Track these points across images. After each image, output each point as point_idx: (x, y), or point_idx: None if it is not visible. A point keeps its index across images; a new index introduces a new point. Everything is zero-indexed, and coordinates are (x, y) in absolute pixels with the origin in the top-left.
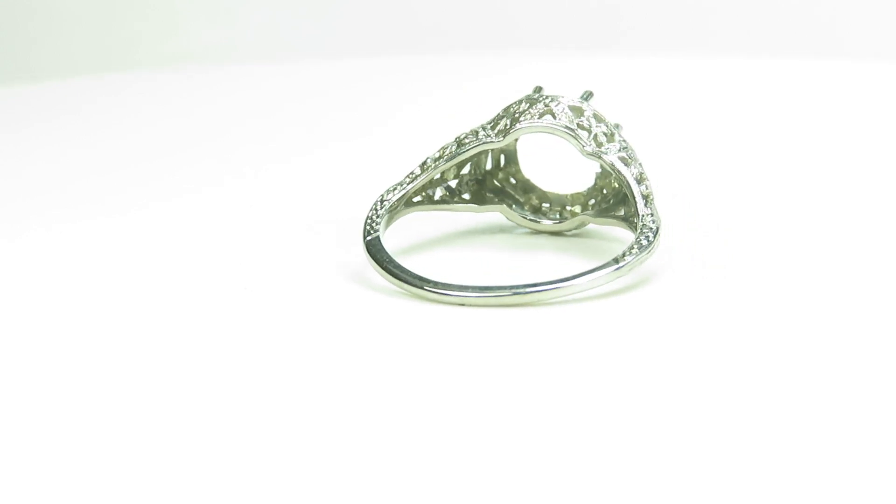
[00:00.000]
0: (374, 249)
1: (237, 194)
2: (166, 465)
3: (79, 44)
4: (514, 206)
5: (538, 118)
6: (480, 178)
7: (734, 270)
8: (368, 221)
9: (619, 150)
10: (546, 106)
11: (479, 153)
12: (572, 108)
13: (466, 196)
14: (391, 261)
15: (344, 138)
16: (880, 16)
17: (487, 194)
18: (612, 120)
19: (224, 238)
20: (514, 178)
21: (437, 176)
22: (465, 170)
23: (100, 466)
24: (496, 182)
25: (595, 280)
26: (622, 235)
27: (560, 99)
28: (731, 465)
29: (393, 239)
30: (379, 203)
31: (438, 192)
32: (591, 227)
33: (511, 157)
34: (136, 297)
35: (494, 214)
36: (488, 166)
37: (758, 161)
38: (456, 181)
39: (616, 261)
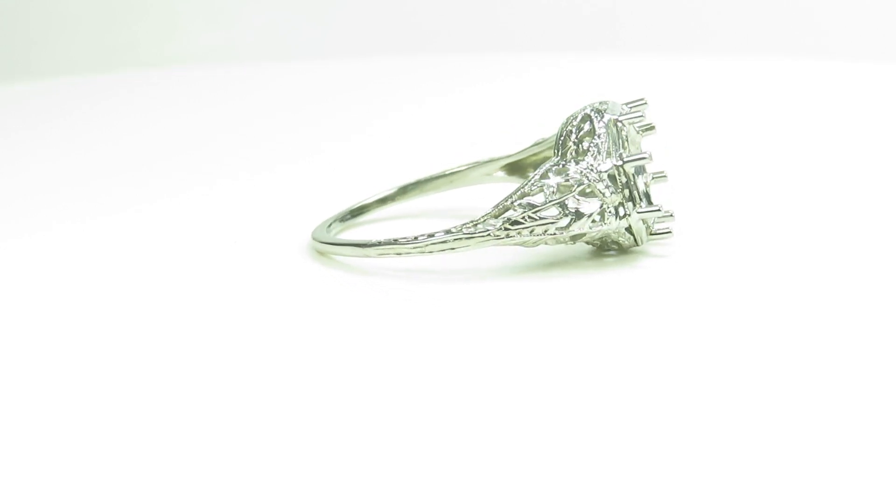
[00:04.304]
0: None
1: (235, 194)
2: (157, 456)
3: (79, 45)
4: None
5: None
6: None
7: (732, 268)
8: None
9: (564, 171)
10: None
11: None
12: (583, 118)
13: None
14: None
15: (342, 138)
16: (881, 18)
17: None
18: (607, 148)
19: (222, 238)
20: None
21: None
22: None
23: (88, 455)
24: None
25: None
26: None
27: (587, 108)
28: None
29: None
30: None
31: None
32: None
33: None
34: (126, 294)
35: None
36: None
37: (755, 160)
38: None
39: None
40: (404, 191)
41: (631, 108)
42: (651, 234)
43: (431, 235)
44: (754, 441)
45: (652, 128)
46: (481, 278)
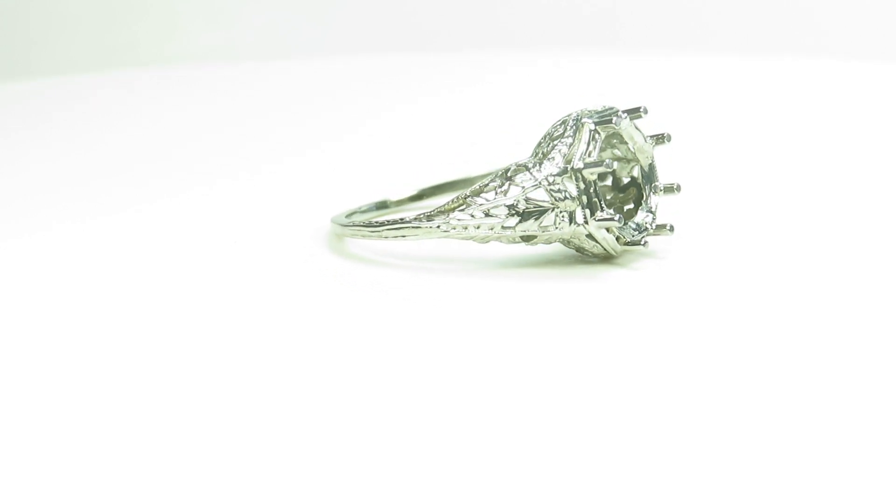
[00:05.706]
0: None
1: (235, 194)
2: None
3: (79, 45)
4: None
5: None
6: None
7: (731, 267)
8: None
9: (522, 172)
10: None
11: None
12: (562, 122)
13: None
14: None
15: (341, 137)
16: (881, 18)
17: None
18: (567, 156)
19: (222, 238)
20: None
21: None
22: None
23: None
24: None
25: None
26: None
27: (574, 112)
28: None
29: None
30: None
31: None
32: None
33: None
34: (126, 294)
35: None
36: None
37: (754, 160)
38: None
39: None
40: (453, 185)
41: (630, 116)
42: (625, 245)
43: (389, 221)
44: (735, 448)
45: (663, 139)
46: (475, 273)
